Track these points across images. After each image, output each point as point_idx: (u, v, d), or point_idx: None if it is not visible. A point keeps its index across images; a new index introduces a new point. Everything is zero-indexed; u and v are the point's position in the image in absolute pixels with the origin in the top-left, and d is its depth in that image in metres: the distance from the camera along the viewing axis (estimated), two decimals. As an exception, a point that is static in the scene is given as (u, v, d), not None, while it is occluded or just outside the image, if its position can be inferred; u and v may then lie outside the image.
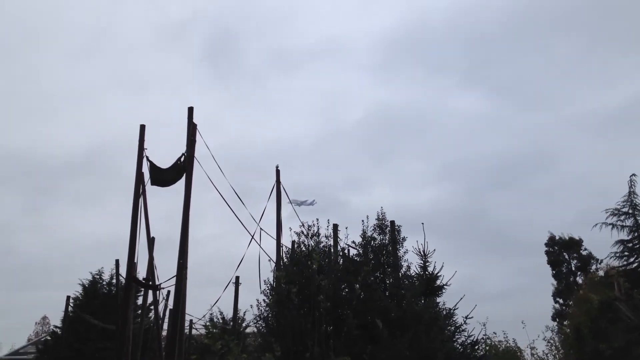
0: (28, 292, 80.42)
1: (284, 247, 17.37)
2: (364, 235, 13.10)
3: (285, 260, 13.78)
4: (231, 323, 20.49)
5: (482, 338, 13.38)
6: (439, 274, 12.89)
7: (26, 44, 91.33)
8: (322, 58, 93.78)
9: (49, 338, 28.93)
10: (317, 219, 13.06)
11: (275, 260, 16.71)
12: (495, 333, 22.98)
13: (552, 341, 25.85)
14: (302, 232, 13.05)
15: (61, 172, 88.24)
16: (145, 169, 16.01)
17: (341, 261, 12.96)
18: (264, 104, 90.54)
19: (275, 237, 18.74)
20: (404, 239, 12.99)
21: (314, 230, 12.91)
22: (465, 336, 12.64)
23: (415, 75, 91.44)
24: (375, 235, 13.04)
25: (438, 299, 12.74)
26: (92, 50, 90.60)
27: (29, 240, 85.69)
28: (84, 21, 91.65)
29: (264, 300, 12.60)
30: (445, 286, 12.95)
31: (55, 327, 27.21)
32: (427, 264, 13.01)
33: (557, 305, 39.07)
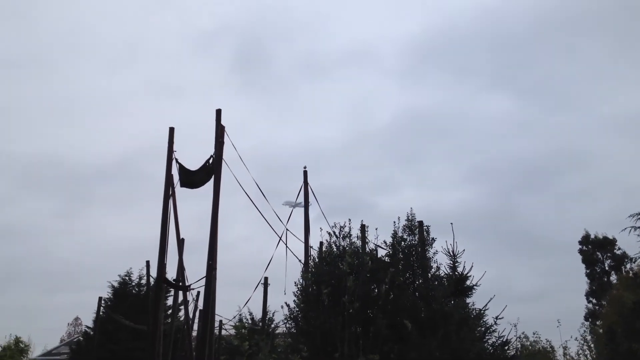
0: (60, 294, 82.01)
1: (312, 248, 17.43)
2: (394, 235, 13.04)
3: (316, 260, 13.79)
4: (260, 323, 20.56)
5: (515, 337, 13.23)
6: (468, 275, 12.76)
7: (63, 55, 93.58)
8: (350, 64, 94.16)
9: (81, 339, 29.40)
10: (350, 220, 13.06)
11: (303, 261, 16.77)
12: (524, 333, 22.75)
13: (585, 341, 25.47)
14: (334, 233, 13.05)
15: (94, 178, 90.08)
16: (175, 171, 16.17)
17: (370, 262, 12.93)
18: (293, 109, 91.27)
19: (302, 239, 18.82)
20: (433, 239, 12.90)
21: (345, 231, 12.90)
22: (495, 337, 12.51)
23: (442, 80, 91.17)
24: (404, 235, 12.98)
25: (468, 300, 12.61)
26: (126, 60, 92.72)
27: (63, 244, 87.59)
28: (118, 32, 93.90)
29: (293, 301, 12.64)
30: (475, 286, 12.82)
31: (88, 327, 27.65)
32: (456, 264, 12.89)
33: (590, 305, 38.49)
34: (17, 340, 27.41)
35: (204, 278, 14.83)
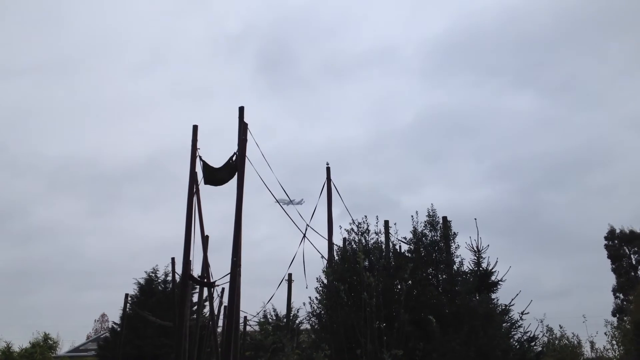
0: (88, 292, 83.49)
1: (335, 245, 17.48)
2: (414, 231, 13.02)
3: (337, 257, 13.84)
4: (284, 320, 20.68)
5: (542, 333, 13.15)
6: (493, 270, 12.70)
7: (92, 59, 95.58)
8: (373, 64, 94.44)
9: (108, 335, 29.82)
10: (366, 216, 13.07)
11: (327, 258, 16.82)
12: (548, 325, 22.52)
13: (612, 336, 25.12)
14: (353, 230, 13.08)
15: (124, 178, 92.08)
16: (199, 168, 16.32)
17: (392, 257, 12.93)
18: (317, 109, 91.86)
19: (325, 236, 18.88)
20: (455, 234, 12.85)
21: (364, 228, 12.92)
22: (521, 332, 12.44)
23: (467, 79, 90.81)
24: (426, 231, 12.95)
25: (493, 295, 12.55)
26: (153, 64, 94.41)
27: (92, 243, 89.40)
28: (146, 37, 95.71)
29: (316, 297, 12.70)
30: (500, 282, 12.75)
31: (115, 324, 28.04)
32: (480, 259, 12.83)
33: (617, 301, 37.99)
34: (46, 337, 27.86)
35: (229, 274, 14.97)
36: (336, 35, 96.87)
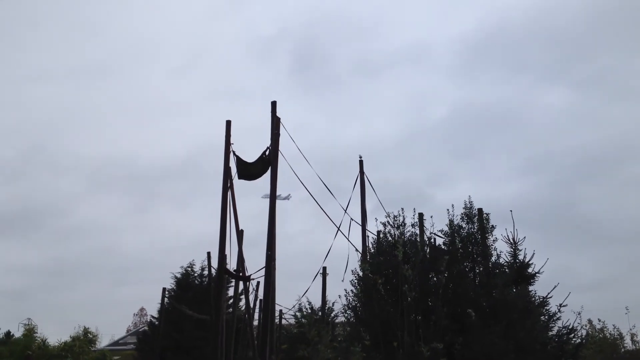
0: (127, 287, 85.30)
1: (369, 238, 17.46)
2: (450, 224, 12.92)
3: (372, 250, 13.82)
4: (320, 313, 20.74)
5: (581, 325, 12.95)
6: (530, 262, 12.54)
7: (131, 62, 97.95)
8: (404, 63, 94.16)
9: (147, 328, 30.31)
10: (402, 209, 13.01)
11: (361, 251, 16.82)
12: (589, 320, 22.16)
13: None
14: (388, 222, 13.04)
15: (161, 176, 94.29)
16: (233, 164, 16.46)
17: (428, 250, 12.86)
18: (349, 108, 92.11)
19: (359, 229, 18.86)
20: (492, 227, 12.71)
21: (399, 221, 12.87)
22: (559, 325, 12.28)
23: (498, 75, 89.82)
24: (462, 224, 12.84)
25: (530, 288, 12.40)
26: (189, 66, 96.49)
27: (131, 240, 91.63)
28: (182, 40, 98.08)
29: (351, 290, 12.71)
30: (537, 274, 12.59)
31: (153, 317, 28.47)
32: (517, 252, 12.68)
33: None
34: (86, 331, 28.44)
35: (264, 268, 15.07)
36: (368, 35, 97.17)
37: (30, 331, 27.41)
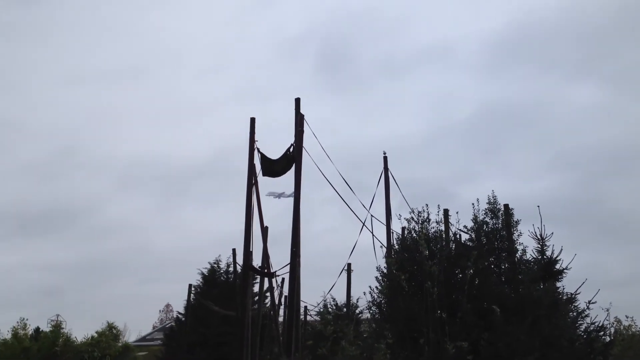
0: (154, 284, 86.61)
1: (394, 234, 17.43)
2: (475, 219, 12.81)
3: (397, 246, 13.78)
4: (344, 309, 20.77)
5: (609, 323, 12.75)
6: (557, 258, 12.37)
7: (162, 63, 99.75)
8: (430, 61, 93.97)
9: (173, 324, 30.62)
10: (427, 205, 12.94)
11: (386, 247, 16.79)
12: (616, 317, 21.80)
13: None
14: (412, 219, 12.97)
15: (190, 176, 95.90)
16: (257, 161, 16.54)
17: (453, 246, 12.77)
18: (374, 107, 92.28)
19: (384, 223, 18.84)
20: (518, 222, 12.56)
21: (423, 217, 12.80)
22: (588, 322, 12.10)
23: (526, 72, 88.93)
24: (487, 219, 12.72)
25: (558, 284, 12.24)
26: (217, 67, 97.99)
27: (159, 238, 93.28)
28: (210, 42, 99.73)
29: (376, 287, 12.68)
30: (565, 270, 12.42)
31: (179, 313, 28.76)
32: (544, 247, 12.51)
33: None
34: (110, 326, 28.87)
35: (289, 265, 15.14)
36: (394, 34, 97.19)
37: (57, 327, 27.91)
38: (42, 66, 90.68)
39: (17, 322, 28.24)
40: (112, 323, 28.98)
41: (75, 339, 27.70)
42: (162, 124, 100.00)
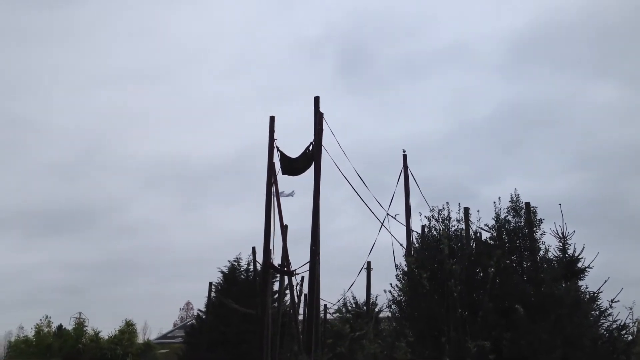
0: (176, 282, 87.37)
1: (414, 232, 17.39)
2: (497, 217, 12.73)
3: (417, 245, 13.74)
4: (364, 307, 20.75)
5: (633, 322, 12.58)
6: (580, 257, 12.25)
7: (184, 65, 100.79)
8: (450, 61, 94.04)
9: (194, 322, 30.83)
10: (447, 203, 12.89)
11: (405, 246, 16.75)
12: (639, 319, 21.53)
13: None
14: (432, 217, 12.93)
15: (211, 175, 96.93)
16: (277, 159, 16.59)
17: (474, 245, 12.70)
18: (394, 106, 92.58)
19: (404, 223, 18.79)
20: (540, 220, 12.46)
21: (444, 215, 12.74)
22: (610, 321, 11.96)
23: (546, 71, 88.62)
24: (509, 217, 12.63)
25: (580, 283, 12.12)
26: (239, 68, 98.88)
27: (182, 236, 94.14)
28: (233, 44, 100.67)
29: (396, 285, 12.66)
30: (587, 269, 12.30)
31: (200, 311, 28.95)
32: (566, 246, 12.40)
33: None
34: (128, 324, 29.15)
35: (308, 263, 15.18)
36: (414, 34, 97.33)
37: (80, 325, 28.23)
38: (66, 69, 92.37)
39: (41, 319, 28.59)
40: (129, 320, 29.27)
41: (100, 336, 28.04)
42: (184, 124, 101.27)
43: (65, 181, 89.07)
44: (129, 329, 28.93)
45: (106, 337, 28.34)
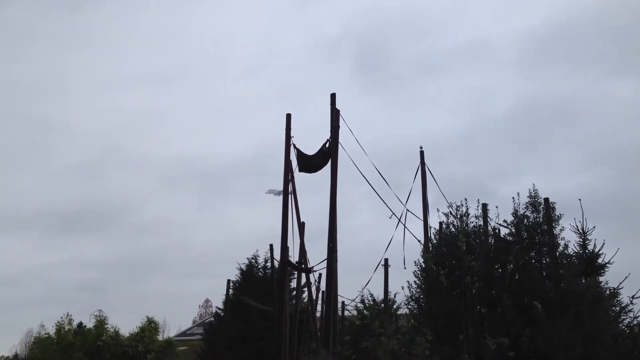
0: (195, 280, 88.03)
1: (431, 229, 17.33)
2: (515, 213, 12.64)
3: (434, 241, 13.69)
4: (382, 304, 20.72)
5: None
6: (600, 252, 12.13)
7: (202, 65, 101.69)
8: (467, 59, 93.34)
9: (212, 319, 30.97)
10: (465, 199, 12.83)
11: (422, 242, 16.71)
12: None
13: None
14: (450, 213, 12.88)
15: (229, 174, 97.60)
16: (293, 157, 16.60)
17: (492, 241, 12.63)
18: (411, 104, 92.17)
19: (421, 219, 18.75)
20: (559, 216, 12.36)
21: (462, 211, 12.69)
22: (631, 317, 11.85)
23: (564, 68, 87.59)
24: (527, 213, 12.54)
25: (600, 279, 12.01)
26: (257, 67, 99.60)
27: (200, 235, 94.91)
28: (251, 43, 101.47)
29: (414, 282, 12.63)
30: (607, 264, 12.17)
31: (218, 308, 29.07)
32: (586, 242, 12.28)
33: None
34: (150, 321, 29.35)
35: (326, 260, 15.18)
36: (431, 33, 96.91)
37: (101, 322, 28.46)
38: (86, 70, 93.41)
39: (62, 317, 28.85)
40: (151, 318, 29.48)
41: (121, 334, 28.26)
42: (202, 124, 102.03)
43: (86, 181, 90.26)
44: (150, 326, 29.12)
45: (126, 335, 28.55)
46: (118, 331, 28.28)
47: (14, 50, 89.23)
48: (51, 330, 29.15)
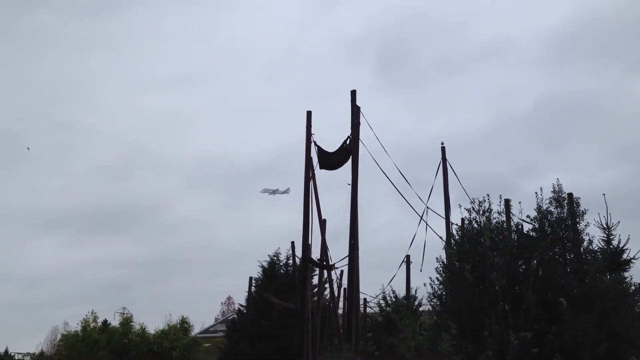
0: (218, 278, 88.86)
1: (453, 225, 17.24)
2: (538, 209, 12.51)
3: (457, 237, 13.61)
4: (404, 301, 20.69)
5: None
6: (625, 248, 11.97)
7: (226, 66, 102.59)
8: (489, 57, 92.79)
9: (235, 317, 31.14)
10: (488, 195, 12.72)
11: (445, 239, 16.63)
12: None
13: None
14: (473, 209, 12.77)
15: (253, 174, 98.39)
16: (314, 154, 16.64)
17: (515, 237, 12.51)
18: (433, 104, 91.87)
19: (443, 216, 18.66)
20: (583, 211, 12.21)
21: (485, 207, 12.58)
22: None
23: (587, 66, 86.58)
24: (551, 209, 12.41)
25: (625, 274, 11.85)
26: (280, 68, 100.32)
27: (225, 233, 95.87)
28: (274, 45, 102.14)
29: (437, 278, 12.56)
30: (632, 260, 12.01)
31: (241, 306, 29.23)
32: (611, 237, 12.12)
33: None
34: (183, 320, 29.72)
35: (347, 257, 15.20)
36: (453, 31, 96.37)
37: (127, 320, 28.79)
38: (113, 73, 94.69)
39: (87, 315, 29.19)
40: (185, 318, 29.86)
41: (147, 331, 28.57)
42: (227, 125, 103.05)
43: (113, 182, 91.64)
44: (183, 326, 29.51)
45: (152, 332, 28.86)
46: (145, 329, 28.59)
47: (44, 55, 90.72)
48: (76, 327, 29.55)
